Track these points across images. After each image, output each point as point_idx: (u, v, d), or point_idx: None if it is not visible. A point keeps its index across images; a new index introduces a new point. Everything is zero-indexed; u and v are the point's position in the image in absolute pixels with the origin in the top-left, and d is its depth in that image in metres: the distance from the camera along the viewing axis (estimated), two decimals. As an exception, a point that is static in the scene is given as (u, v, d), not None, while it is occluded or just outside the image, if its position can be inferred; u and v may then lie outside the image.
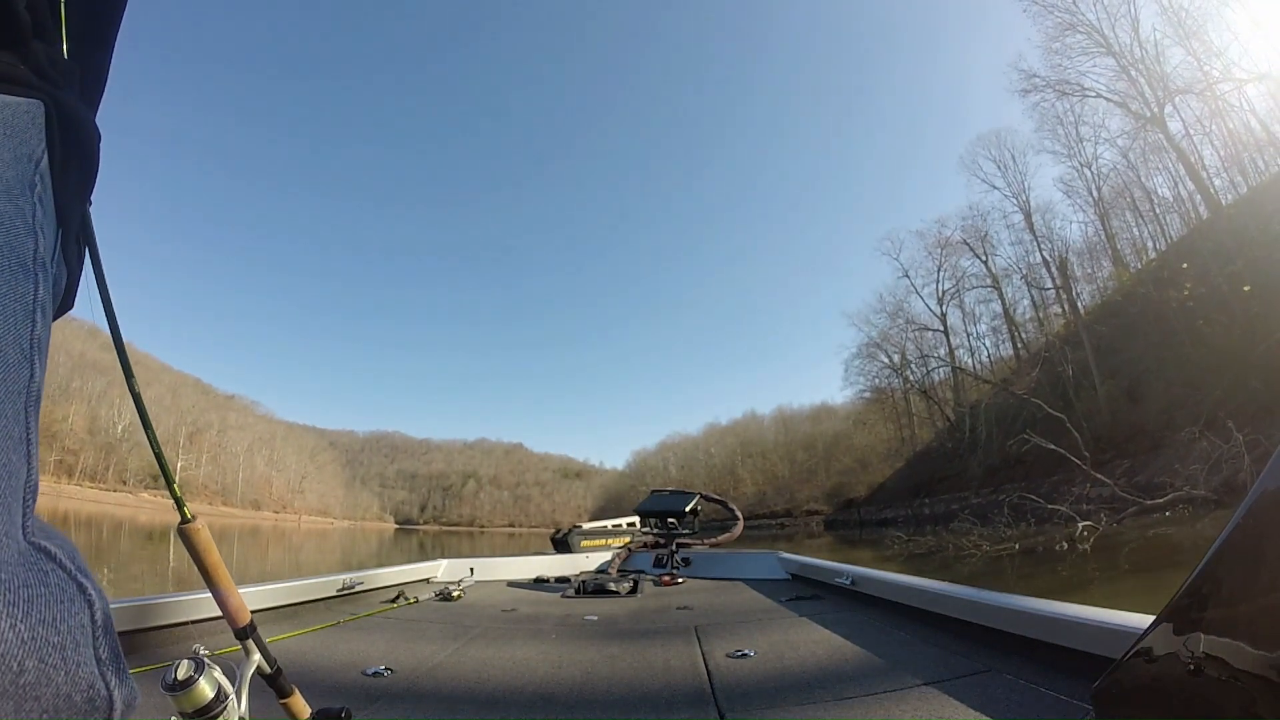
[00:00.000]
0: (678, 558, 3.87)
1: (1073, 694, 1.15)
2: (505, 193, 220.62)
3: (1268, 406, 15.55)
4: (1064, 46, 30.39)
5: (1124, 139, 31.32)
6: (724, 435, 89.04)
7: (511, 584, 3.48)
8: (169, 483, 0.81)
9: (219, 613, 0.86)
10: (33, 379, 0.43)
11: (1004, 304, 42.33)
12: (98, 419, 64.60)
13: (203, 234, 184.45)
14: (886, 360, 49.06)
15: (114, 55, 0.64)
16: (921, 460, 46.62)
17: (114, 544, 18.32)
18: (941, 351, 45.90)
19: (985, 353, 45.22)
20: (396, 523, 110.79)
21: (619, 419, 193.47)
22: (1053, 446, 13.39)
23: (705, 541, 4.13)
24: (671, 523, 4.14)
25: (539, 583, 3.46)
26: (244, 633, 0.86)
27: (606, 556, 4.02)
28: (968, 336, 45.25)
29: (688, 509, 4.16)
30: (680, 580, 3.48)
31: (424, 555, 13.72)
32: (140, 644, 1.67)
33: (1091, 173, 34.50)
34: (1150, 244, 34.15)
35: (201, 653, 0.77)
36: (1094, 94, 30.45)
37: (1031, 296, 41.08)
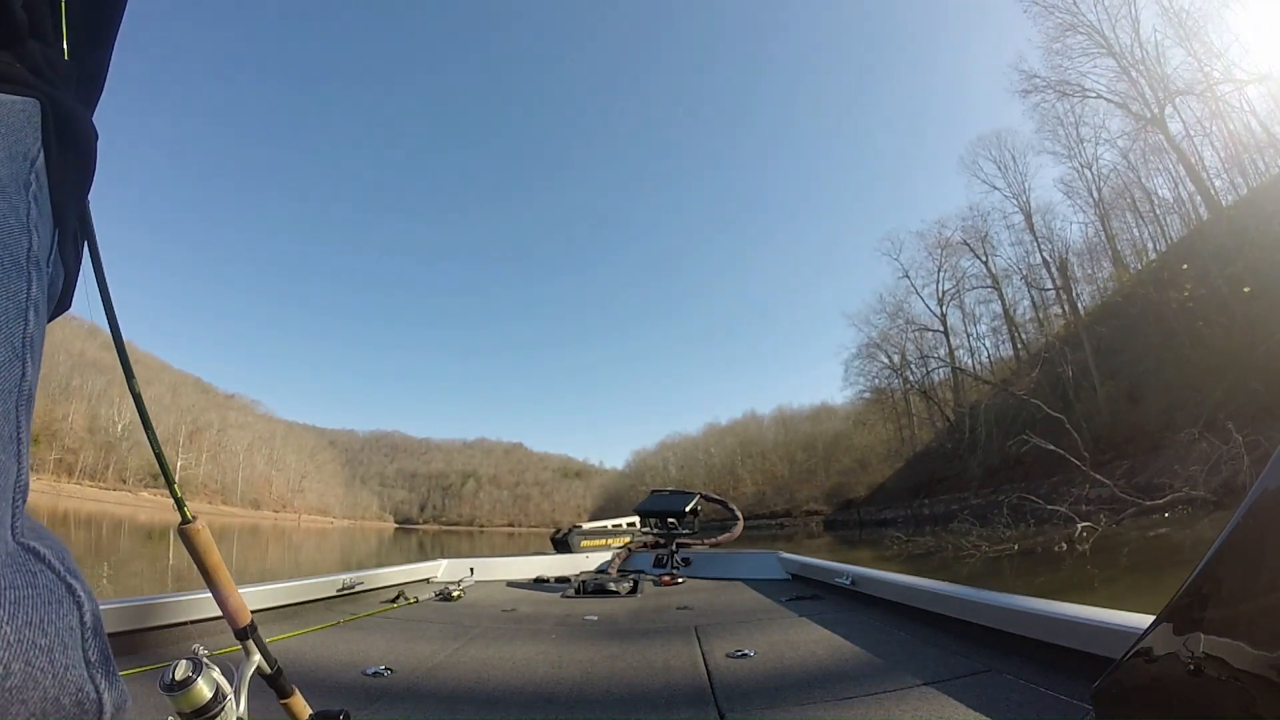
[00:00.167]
0: (678, 558, 3.87)
1: (1073, 694, 1.15)
2: (506, 194, 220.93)
3: (1267, 408, 15.55)
4: (1064, 47, 30.46)
5: (1124, 140, 31.37)
6: (724, 435, 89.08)
7: (511, 584, 3.48)
8: (169, 483, 0.81)
9: (219, 613, 0.86)
10: (24, 378, 0.43)
11: (1004, 304, 42.39)
12: (97, 418, 64.58)
13: (203, 233, 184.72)
14: (886, 361, 49.13)
15: (114, 56, 0.64)
16: (921, 461, 46.63)
17: (114, 543, 18.33)
18: (941, 352, 45.97)
19: (985, 353, 45.31)
20: (396, 522, 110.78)
21: (619, 419, 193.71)
22: (1052, 447, 13.39)
23: (705, 541, 4.13)
24: (671, 523, 4.14)
25: (539, 583, 3.46)
26: (244, 633, 0.86)
27: (606, 556, 4.02)
28: (968, 337, 45.34)
29: (688, 509, 4.16)
30: (680, 580, 3.49)
31: (423, 555, 13.73)
32: (140, 644, 1.67)
33: (1092, 173, 34.56)
34: (1150, 245, 34.20)
35: (200, 653, 0.77)
36: (1094, 95, 30.50)
37: (1031, 297, 41.15)
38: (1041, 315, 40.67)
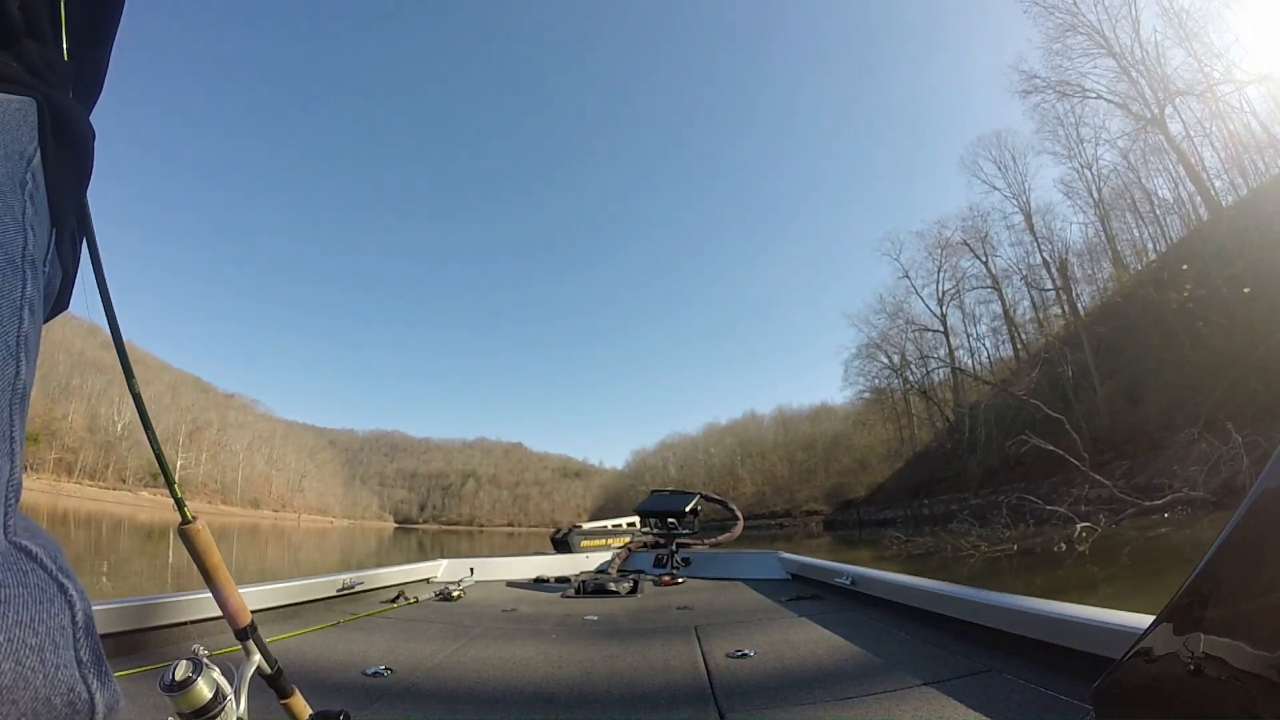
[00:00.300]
0: (678, 558, 3.87)
1: (1073, 694, 1.15)
2: (507, 196, 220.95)
3: (1267, 408, 15.56)
4: (1065, 48, 30.50)
5: (1124, 140, 31.40)
6: (723, 435, 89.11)
7: (511, 584, 3.48)
8: (169, 483, 0.81)
9: (219, 613, 0.86)
10: (18, 376, 0.42)
11: (1004, 305, 42.42)
12: (97, 417, 64.56)
13: (202, 232, 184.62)
14: (886, 361, 49.16)
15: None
16: (921, 461, 46.66)
17: (113, 542, 18.32)
18: (941, 352, 46.01)
19: (985, 353, 45.35)
20: (396, 522, 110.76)
21: (618, 419, 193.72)
22: (1051, 448, 13.39)
23: (705, 541, 4.13)
24: (671, 523, 4.14)
25: (539, 583, 3.46)
26: (244, 633, 0.86)
27: (606, 556, 4.02)
28: (967, 337, 45.38)
29: (688, 509, 4.16)
30: (680, 580, 3.49)
31: (423, 554, 13.74)
32: (140, 644, 1.67)
33: (1092, 174, 34.58)
34: (1150, 245, 34.22)
35: (201, 653, 0.77)
36: (1095, 95, 30.52)
37: (1031, 297, 41.17)
38: (1041, 315, 40.71)
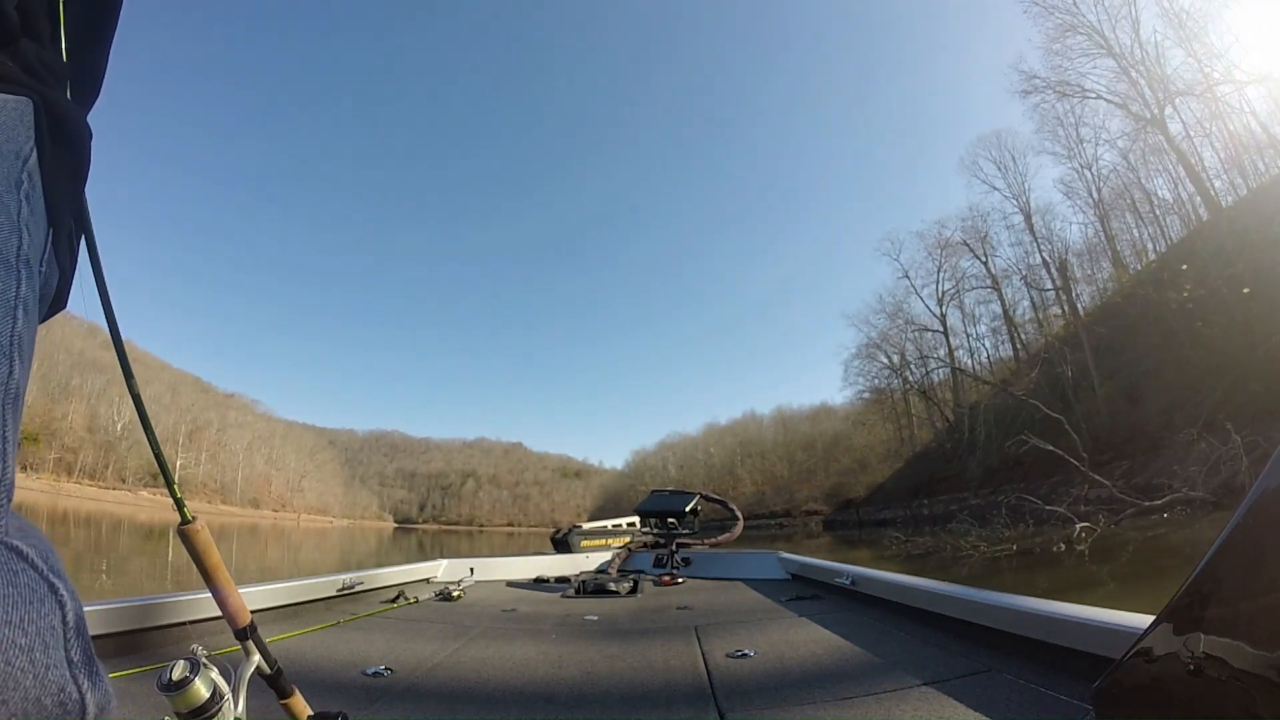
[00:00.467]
0: (678, 558, 3.87)
1: (1073, 694, 1.15)
2: (506, 197, 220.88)
3: (1267, 408, 15.56)
4: (1064, 48, 30.49)
5: (1124, 140, 31.40)
6: (723, 435, 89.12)
7: (511, 584, 3.48)
8: (169, 484, 0.81)
9: (219, 613, 0.86)
10: (11, 376, 0.42)
11: (1004, 305, 42.42)
12: (97, 417, 64.53)
13: (202, 232, 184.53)
14: (886, 361, 49.16)
15: (111, 56, 0.64)
16: (920, 461, 46.67)
17: (113, 542, 18.31)
18: (941, 352, 46.01)
19: (985, 353, 45.36)
20: (396, 522, 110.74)
21: (618, 418, 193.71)
22: (1051, 448, 13.41)
23: (705, 541, 4.13)
24: (671, 523, 4.14)
25: (539, 583, 3.46)
26: (244, 633, 0.86)
27: (606, 556, 4.02)
28: (967, 337, 45.38)
29: (688, 509, 4.16)
30: (680, 580, 3.49)
31: (423, 554, 13.74)
32: (140, 644, 1.67)
33: (1091, 174, 34.59)
34: (1150, 245, 34.23)
35: (199, 653, 0.77)
36: (1094, 95, 30.53)
37: (1031, 298, 41.17)
38: (1041, 316, 40.72)
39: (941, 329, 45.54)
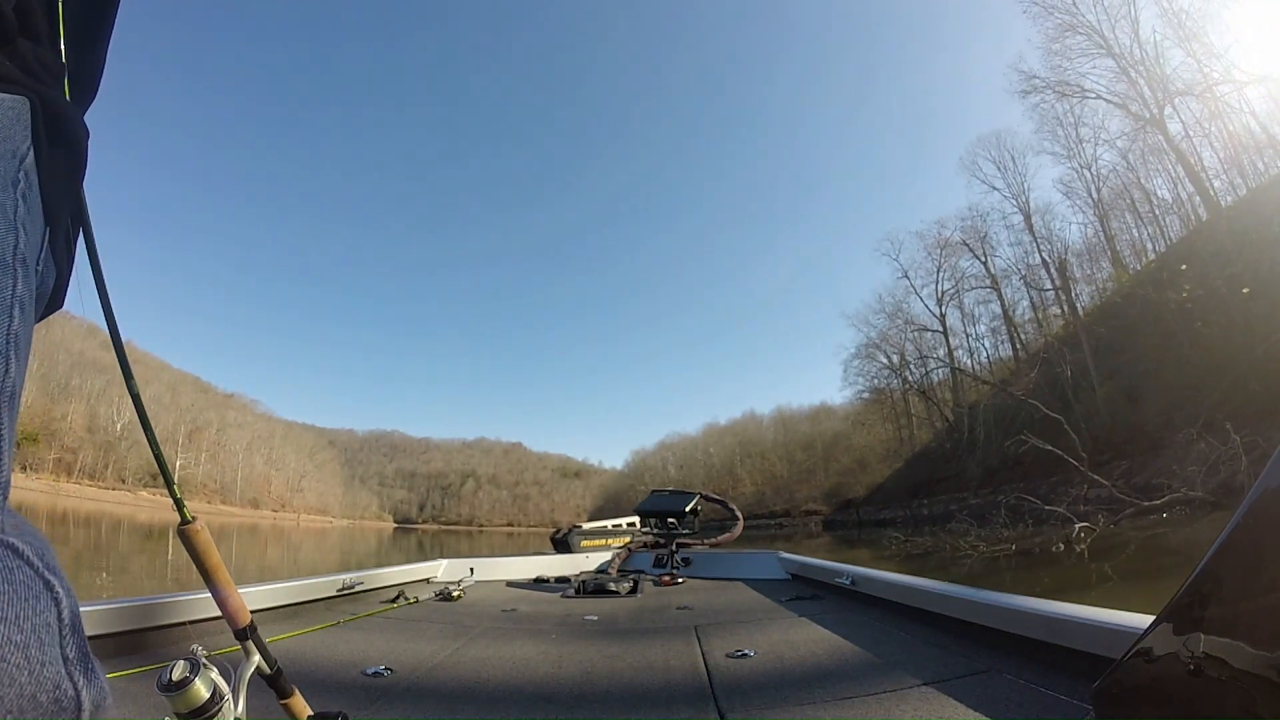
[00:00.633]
0: (678, 558, 3.87)
1: (1073, 694, 1.15)
2: (506, 200, 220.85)
3: (1266, 408, 15.56)
4: (1064, 48, 30.52)
5: (1124, 140, 31.43)
6: (723, 435, 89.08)
7: (511, 584, 3.48)
8: (169, 484, 0.81)
9: (219, 613, 0.86)
10: (7, 374, 0.42)
11: (1003, 305, 42.45)
12: (96, 417, 64.48)
13: (202, 233, 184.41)
14: (885, 361, 49.20)
15: (109, 56, 0.64)
16: (920, 461, 46.68)
17: (113, 542, 18.31)
18: (940, 352, 46.04)
19: (984, 353, 45.38)
20: (395, 522, 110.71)
21: (618, 419, 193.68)
22: (1050, 448, 13.42)
23: (705, 541, 4.13)
24: (671, 523, 4.14)
25: (539, 583, 3.46)
26: (244, 633, 0.86)
27: (606, 556, 4.02)
28: (967, 337, 45.41)
29: (688, 509, 4.16)
30: (680, 580, 3.49)
31: (423, 554, 13.74)
32: (140, 644, 1.67)
33: (1091, 174, 34.61)
34: (1149, 245, 34.26)
35: (199, 653, 0.77)
36: (1094, 95, 30.55)
37: (1030, 297, 41.19)
38: (1040, 316, 40.73)
39: (941, 329, 45.60)
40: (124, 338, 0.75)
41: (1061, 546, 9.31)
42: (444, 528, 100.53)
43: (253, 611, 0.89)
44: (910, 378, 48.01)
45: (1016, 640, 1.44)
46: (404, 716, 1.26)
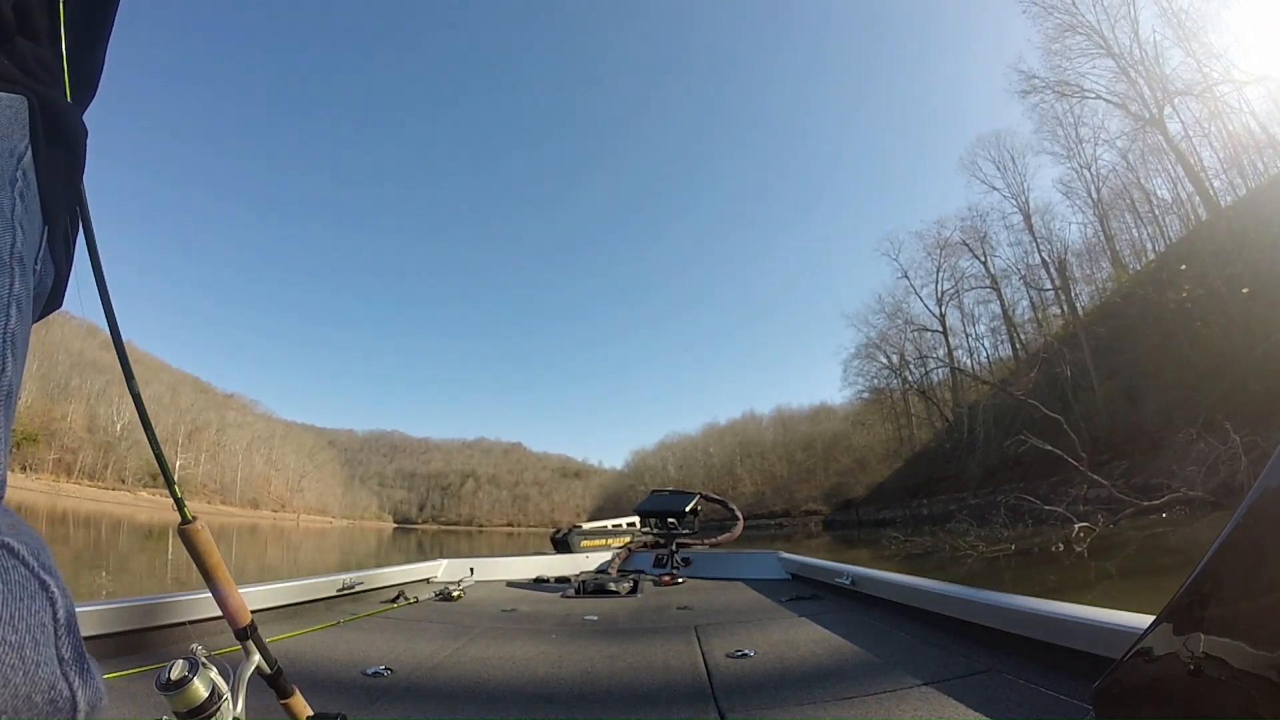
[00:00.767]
0: (678, 558, 3.87)
1: (1073, 694, 1.15)
2: (505, 197, 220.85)
3: (1266, 408, 15.57)
4: (1064, 48, 30.54)
5: (1123, 140, 31.45)
6: (723, 435, 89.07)
7: (511, 584, 3.48)
8: (169, 483, 0.81)
9: (219, 613, 0.86)
10: (4, 374, 0.43)
11: (1003, 305, 42.46)
12: (96, 417, 64.45)
13: (203, 232, 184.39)
14: (885, 361, 49.23)
15: (107, 53, 0.64)
16: (920, 461, 46.68)
17: (113, 542, 18.31)
18: (940, 352, 46.06)
19: (984, 353, 45.39)
20: (395, 522, 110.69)
21: (617, 419, 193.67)
22: (1050, 448, 13.43)
23: (705, 541, 4.13)
24: (671, 523, 4.14)
25: (539, 583, 3.46)
26: (244, 633, 0.86)
27: (606, 556, 4.02)
28: (966, 337, 45.42)
29: (687, 509, 4.16)
30: (680, 580, 3.49)
31: (423, 554, 13.75)
32: (140, 643, 1.67)
33: (1091, 174, 34.63)
34: (1149, 245, 34.27)
35: (199, 652, 0.77)
36: (1094, 95, 30.56)
37: (1030, 297, 41.21)
38: (1040, 315, 40.74)
39: (941, 329, 45.61)
40: (124, 338, 0.76)
41: (1061, 546, 9.31)
42: (444, 528, 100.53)
43: (253, 611, 0.89)
44: (910, 378, 48.06)
45: (1016, 640, 1.44)
46: (404, 716, 1.26)
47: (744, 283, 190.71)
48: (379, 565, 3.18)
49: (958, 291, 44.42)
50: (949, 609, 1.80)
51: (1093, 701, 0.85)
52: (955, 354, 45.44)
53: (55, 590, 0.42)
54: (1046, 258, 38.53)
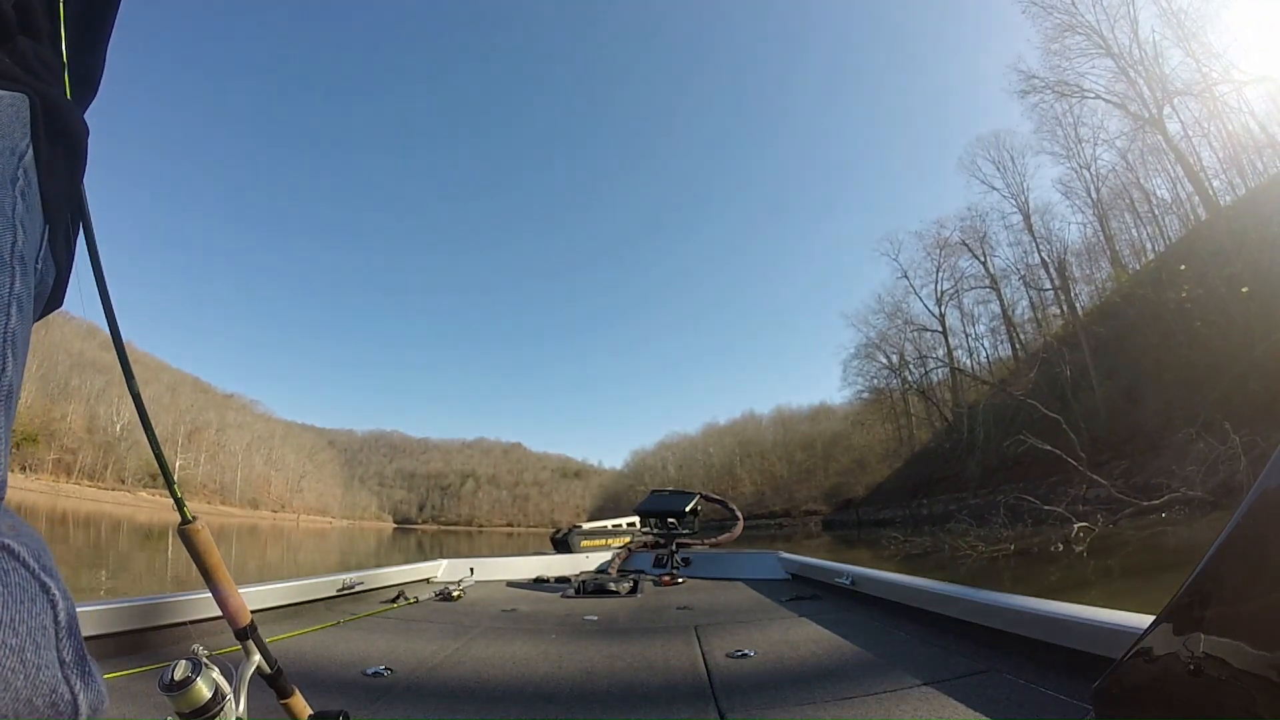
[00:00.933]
0: (678, 558, 3.87)
1: (1073, 694, 1.15)
2: (504, 195, 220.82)
3: (1265, 408, 15.58)
4: (1063, 48, 30.55)
5: (1123, 140, 31.47)
6: (722, 435, 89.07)
7: (511, 584, 3.48)
8: (169, 483, 0.81)
9: (219, 613, 0.86)
10: (4, 373, 0.42)
11: (1002, 305, 42.49)
12: (96, 418, 64.43)
13: (202, 232, 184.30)
14: (885, 361, 49.28)
15: (109, 53, 0.64)
16: (919, 461, 46.70)
17: (113, 543, 18.30)
18: (940, 352, 46.09)
19: (984, 353, 45.43)
20: (395, 522, 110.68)
21: (617, 419, 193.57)
22: (1049, 448, 13.44)
23: (705, 541, 4.13)
24: (671, 523, 4.14)
25: (539, 583, 3.47)
26: (244, 633, 0.86)
27: (606, 556, 4.02)
28: (966, 337, 45.45)
29: (687, 509, 4.16)
30: (680, 580, 3.49)
31: (422, 555, 13.74)
32: (141, 644, 1.67)
33: (1090, 174, 34.65)
34: (1149, 245, 34.29)
35: (200, 653, 0.77)
36: (1093, 95, 30.58)
37: (1030, 297, 41.24)
38: (1040, 315, 40.77)
39: (940, 329, 45.63)
40: (124, 338, 0.75)
41: (1060, 546, 9.32)
42: (444, 528, 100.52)
43: (253, 611, 0.89)
44: (910, 378, 48.10)
45: (1016, 640, 1.45)
46: (404, 716, 1.26)
47: (744, 283, 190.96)
48: (379, 565, 3.18)
49: (957, 291, 44.49)
50: (949, 609, 1.80)
51: (1093, 701, 0.85)
52: (955, 354, 45.53)
53: (56, 593, 0.41)
54: (1046, 258, 38.58)
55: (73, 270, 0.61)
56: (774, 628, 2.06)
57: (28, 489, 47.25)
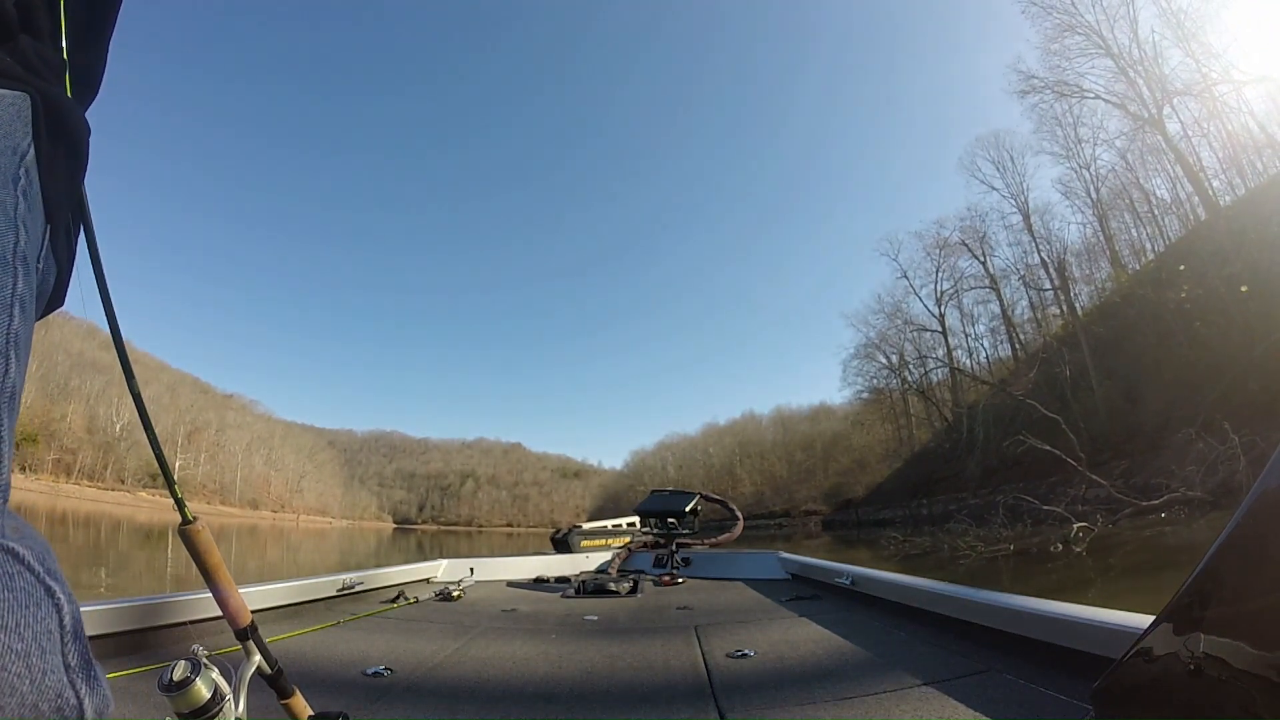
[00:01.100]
0: (678, 558, 3.87)
1: (1073, 694, 1.15)
2: (505, 195, 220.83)
3: (1265, 408, 15.58)
4: (1063, 48, 30.57)
5: (1122, 140, 31.48)
6: (722, 435, 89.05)
7: (511, 584, 3.48)
8: (170, 483, 0.81)
9: (220, 613, 0.86)
10: (7, 374, 0.42)
11: (1002, 305, 42.48)
12: (96, 418, 64.42)
13: (202, 232, 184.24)
14: (885, 361, 49.27)
15: (110, 52, 0.64)
16: (919, 461, 46.70)
17: (112, 543, 18.29)
18: (939, 352, 46.09)
19: (983, 353, 45.42)
20: (395, 522, 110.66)
21: (617, 419, 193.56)
22: (1049, 448, 13.45)
23: (705, 541, 4.13)
24: (671, 523, 4.15)
25: (539, 583, 3.47)
26: (244, 633, 0.86)
27: (606, 556, 4.02)
28: (966, 337, 45.45)
29: (687, 509, 4.17)
30: (680, 580, 3.49)
31: (422, 555, 13.75)
32: (141, 644, 1.67)
33: (1090, 174, 34.65)
34: (1148, 245, 34.30)
35: (200, 653, 0.77)
36: (1093, 95, 30.59)
37: (1029, 297, 41.23)
38: (1039, 316, 40.77)
39: (940, 329, 45.63)
40: (124, 337, 0.75)
41: (1060, 546, 9.32)
42: (443, 528, 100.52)
43: (253, 611, 0.89)
44: (909, 378, 48.10)
45: (1016, 640, 1.45)
46: (404, 716, 1.26)
47: (744, 284, 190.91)
48: (379, 565, 3.18)
49: (957, 292, 44.49)
50: (949, 609, 1.80)
51: (1093, 701, 0.85)
52: (954, 354, 45.53)
53: (61, 596, 0.41)
54: (1046, 258, 38.58)
55: (73, 270, 0.61)
56: (774, 628, 2.06)
57: (28, 489, 47.23)
